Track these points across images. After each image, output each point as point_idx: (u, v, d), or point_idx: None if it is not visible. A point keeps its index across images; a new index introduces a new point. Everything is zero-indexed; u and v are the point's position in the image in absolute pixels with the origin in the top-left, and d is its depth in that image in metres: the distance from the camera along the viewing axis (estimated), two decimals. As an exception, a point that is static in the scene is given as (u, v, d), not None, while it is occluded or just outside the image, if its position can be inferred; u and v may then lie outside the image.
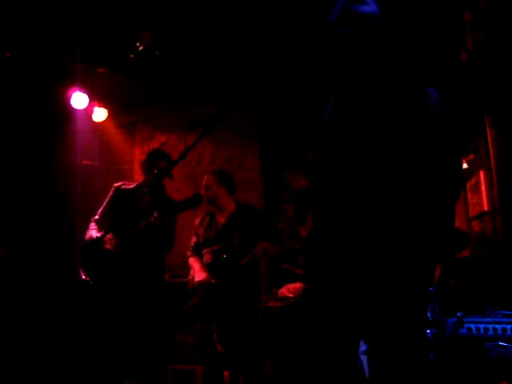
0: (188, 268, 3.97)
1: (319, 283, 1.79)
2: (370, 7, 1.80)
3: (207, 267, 3.76)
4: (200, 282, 3.67)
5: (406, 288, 1.67)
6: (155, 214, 3.39)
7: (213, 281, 3.65)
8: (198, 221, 3.94)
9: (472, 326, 3.11)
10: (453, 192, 1.77)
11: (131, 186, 3.76)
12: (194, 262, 3.86)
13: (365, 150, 1.74)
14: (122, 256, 3.46)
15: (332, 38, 1.80)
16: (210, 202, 3.82)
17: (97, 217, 3.71)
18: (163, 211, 3.36)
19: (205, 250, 3.81)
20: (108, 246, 3.47)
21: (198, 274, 3.74)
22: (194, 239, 3.94)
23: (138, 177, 5.07)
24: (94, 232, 3.59)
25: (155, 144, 5.87)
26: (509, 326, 3.02)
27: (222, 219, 3.82)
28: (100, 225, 3.63)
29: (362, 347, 2.63)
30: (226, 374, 3.69)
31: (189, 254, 3.94)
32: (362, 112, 1.79)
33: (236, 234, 3.72)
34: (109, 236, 3.46)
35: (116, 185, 3.79)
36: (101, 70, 5.51)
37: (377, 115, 1.76)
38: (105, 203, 3.74)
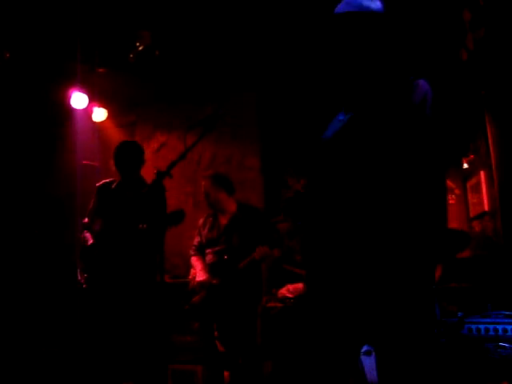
0: (190, 267, 3.97)
1: (319, 285, 1.78)
2: (376, 5, 1.81)
3: (209, 268, 3.76)
4: (201, 282, 3.68)
5: (408, 287, 1.66)
6: (141, 226, 3.35)
7: (214, 281, 3.65)
8: (201, 221, 3.94)
9: (472, 326, 3.10)
10: (440, 187, 1.76)
11: (113, 186, 3.71)
12: (196, 262, 3.86)
13: (353, 151, 1.73)
14: (114, 258, 3.44)
15: (331, 18, 1.80)
16: (211, 206, 3.82)
17: (86, 220, 3.69)
18: (148, 225, 3.32)
19: (207, 251, 3.82)
20: (101, 249, 3.45)
21: (200, 274, 3.75)
22: (197, 239, 3.93)
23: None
24: (88, 238, 3.57)
25: (155, 144, 5.87)
26: (509, 327, 3.01)
27: (224, 220, 3.82)
28: (91, 228, 3.61)
29: (363, 348, 2.63)
30: (226, 374, 3.69)
31: (191, 253, 3.93)
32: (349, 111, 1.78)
33: (237, 235, 3.71)
34: (101, 238, 3.46)
35: (98, 185, 3.76)
36: (101, 70, 5.51)
37: (362, 113, 1.75)
38: (91, 205, 3.71)
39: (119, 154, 3.65)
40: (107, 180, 3.78)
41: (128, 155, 3.63)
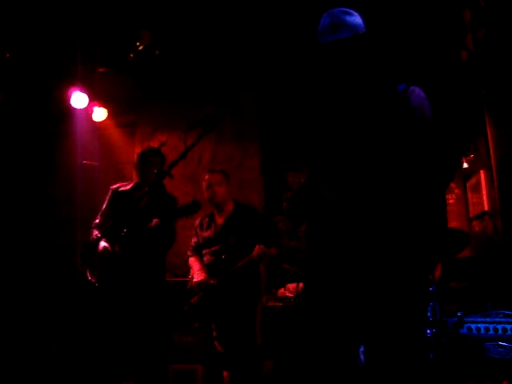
0: (188, 268, 3.97)
1: (317, 284, 1.79)
2: (358, 19, 1.84)
3: (206, 268, 3.76)
4: (198, 283, 3.67)
5: (404, 286, 1.66)
6: (154, 220, 3.38)
7: (211, 281, 3.65)
8: (198, 222, 3.94)
9: (472, 325, 3.10)
10: (441, 186, 1.78)
11: (128, 187, 3.75)
12: (193, 262, 3.86)
13: (358, 154, 1.75)
14: (122, 257, 3.46)
15: (320, 46, 1.80)
16: (212, 200, 3.80)
17: (97, 220, 3.71)
18: (162, 219, 3.35)
19: (204, 251, 3.82)
20: (109, 248, 3.47)
21: (197, 274, 3.74)
22: (194, 239, 3.94)
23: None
24: (95, 233, 3.61)
25: (155, 144, 5.86)
26: (509, 326, 3.02)
27: (220, 220, 3.82)
28: (101, 228, 3.64)
29: (362, 347, 2.63)
30: (225, 374, 3.69)
31: (189, 253, 3.94)
32: (354, 121, 1.80)
33: (234, 234, 3.71)
34: (109, 237, 3.47)
35: (113, 187, 3.79)
36: (101, 70, 5.51)
37: (367, 121, 1.78)
38: (103, 206, 3.74)
39: (142, 157, 3.71)
40: (122, 182, 3.82)
41: (150, 160, 3.67)
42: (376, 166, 1.72)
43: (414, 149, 1.72)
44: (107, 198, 3.76)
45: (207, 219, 3.88)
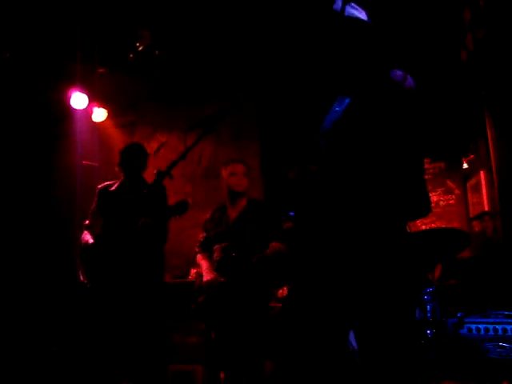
0: (190, 266, 3.93)
1: (306, 281, 1.79)
2: (363, 15, 1.87)
3: (216, 264, 3.66)
4: (209, 282, 3.57)
5: (395, 284, 1.66)
6: (144, 220, 3.36)
7: (221, 280, 3.57)
8: (208, 216, 3.80)
9: (472, 326, 3.10)
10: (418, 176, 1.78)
11: (115, 187, 3.72)
12: (201, 260, 3.73)
13: (355, 134, 1.78)
14: (116, 257, 3.44)
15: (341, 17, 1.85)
16: (232, 188, 3.63)
17: (87, 222, 3.69)
18: (153, 218, 3.33)
19: (215, 247, 3.71)
20: (102, 249, 3.46)
21: (206, 273, 3.63)
22: (203, 234, 3.78)
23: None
24: (88, 238, 3.58)
25: (155, 144, 5.87)
26: (509, 327, 3.02)
27: (233, 214, 3.69)
28: (91, 230, 3.62)
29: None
30: (222, 375, 3.66)
31: (196, 250, 3.78)
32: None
33: (247, 229, 3.61)
34: (102, 239, 3.46)
35: (99, 187, 3.77)
36: (100, 70, 5.51)
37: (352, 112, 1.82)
38: (92, 207, 3.72)
39: (124, 155, 3.68)
40: (109, 182, 3.79)
41: (133, 156, 3.66)
42: (372, 146, 1.74)
43: (393, 119, 1.74)
44: (95, 198, 3.74)
45: (219, 213, 3.76)
